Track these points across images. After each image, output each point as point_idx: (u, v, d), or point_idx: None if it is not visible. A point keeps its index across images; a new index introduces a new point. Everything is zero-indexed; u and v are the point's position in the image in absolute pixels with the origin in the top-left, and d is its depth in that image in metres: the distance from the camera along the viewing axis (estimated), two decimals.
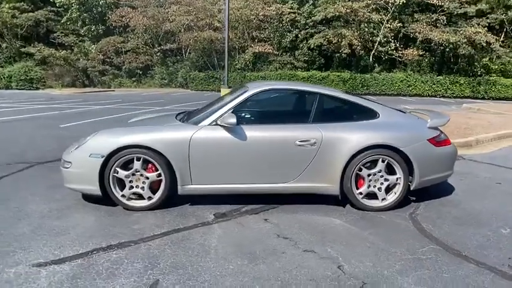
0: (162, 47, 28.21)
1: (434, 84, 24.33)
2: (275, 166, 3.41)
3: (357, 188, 3.42)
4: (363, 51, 25.67)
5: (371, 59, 26.74)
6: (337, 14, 24.16)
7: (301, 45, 27.74)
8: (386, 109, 3.65)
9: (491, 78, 22.74)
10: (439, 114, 3.87)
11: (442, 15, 23.59)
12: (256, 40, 28.63)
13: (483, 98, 22.34)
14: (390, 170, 3.44)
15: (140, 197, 3.44)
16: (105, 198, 3.42)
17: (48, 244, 2.74)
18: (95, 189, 3.35)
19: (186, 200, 3.59)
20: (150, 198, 3.41)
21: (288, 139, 3.37)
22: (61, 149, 4.05)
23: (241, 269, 2.44)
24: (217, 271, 2.40)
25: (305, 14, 26.89)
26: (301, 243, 2.81)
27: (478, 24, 22.15)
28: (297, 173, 3.40)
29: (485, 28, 21.75)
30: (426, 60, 26.15)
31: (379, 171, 3.40)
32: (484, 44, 21.44)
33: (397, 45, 25.07)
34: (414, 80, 24.78)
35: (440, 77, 24.16)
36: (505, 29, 23.62)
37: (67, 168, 3.42)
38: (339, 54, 25.52)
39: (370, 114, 3.56)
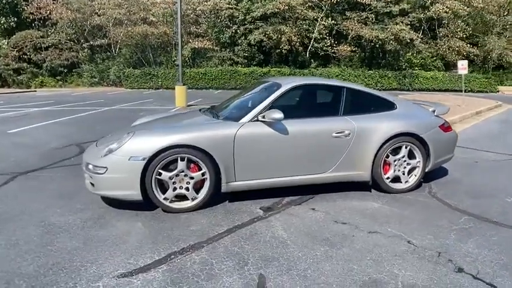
0: (90, 42, 26.21)
1: (366, 78, 26.56)
2: (314, 158, 3.63)
3: (384, 173, 3.82)
4: (301, 48, 26.93)
5: (307, 55, 28.19)
6: (276, 10, 24.98)
7: (240, 41, 28.08)
8: (400, 101, 4.11)
9: (414, 71, 25.66)
10: (440, 105, 4.46)
11: (371, 13, 25.84)
12: (193, 35, 28.23)
13: (408, 90, 25.10)
14: (410, 155, 3.90)
15: (182, 198, 3.39)
16: (145, 203, 3.32)
17: (115, 254, 2.61)
18: (135, 194, 3.22)
19: (220, 199, 3.62)
20: (194, 198, 3.38)
21: (325, 131, 3.62)
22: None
23: (328, 254, 2.63)
24: (309, 259, 2.56)
25: (243, 10, 27.25)
26: (361, 226, 3.09)
27: (402, 22, 24.76)
28: (333, 163, 3.67)
29: (408, 26, 24.41)
30: (357, 55, 28.42)
31: (403, 157, 3.84)
32: (408, 41, 24.09)
33: (332, 41, 26.80)
34: (348, 75, 26.75)
35: (371, 71, 26.50)
36: (422, 27, 26.76)
37: (101, 174, 3.22)
38: (279, 50, 26.39)
39: (389, 105, 3.98)
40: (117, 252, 2.65)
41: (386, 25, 25.50)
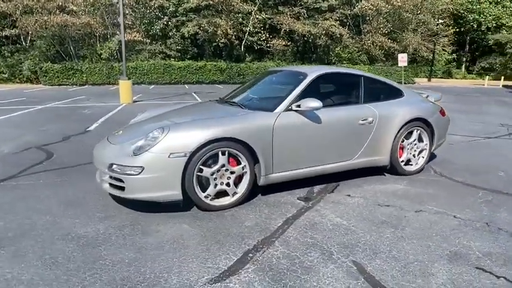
0: None
1: None
2: (342, 145, 3.72)
3: (399, 157, 4.08)
4: (237, 41, 27.02)
5: (242, 49, 28.41)
6: (210, 2, 24.64)
7: (172, 34, 27.13)
8: (405, 88, 4.42)
9: (343, 65, 27.58)
10: (434, 92, 4.89)
11: (302, 8, 27.01)
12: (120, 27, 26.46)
13: None
14: (419, 139, 4.22)
15: (219, 195, 3.21)
16: (185, 204, 3.07)
17: (186, 260, 2.36)
18: (176, 193, 2.96)
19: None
20: (234, 194, 3.23)
21: (352, 119, 3.72)
22: None
23: (397, 235, 2.74)
24: (385, 241, 2.62)
25: (174, 1, 26.33)
26: (404, 207, 3.27)
27: (331, 18, 26.37)
28: (358, 150, 3.81)
29: (338, 22, 26.11)
30: (290, 50, 29.52)
31: (414, 140, 4.15)
32: (338, 36, 25.76)
33: (267, 35, 27.40)
34: None
35: (305, 66, 27.77)
36: (348, 23, 28.83)
37: (135, 175, 2.88)
38: (215, 44, 26.11)
39: (399, 93, 4.25)
40: (186, 258, 2.41)
41: (316, 20, 26.91)
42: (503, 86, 26.54)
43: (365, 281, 2.16)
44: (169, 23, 26.31)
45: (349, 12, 26.76)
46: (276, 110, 3.41)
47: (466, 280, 2.18)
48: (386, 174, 4.20)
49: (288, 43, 27.61)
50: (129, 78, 12.51)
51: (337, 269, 2.28)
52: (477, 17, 32.43)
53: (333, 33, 25.52)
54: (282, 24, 26.73)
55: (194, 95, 16.36)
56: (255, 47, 28.82)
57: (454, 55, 34.24)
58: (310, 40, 26.81)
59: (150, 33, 26.77)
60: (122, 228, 2.83)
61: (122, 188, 2.97)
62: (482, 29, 32.68)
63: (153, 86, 22.85)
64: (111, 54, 25.46)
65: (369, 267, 2.31)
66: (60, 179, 4.02)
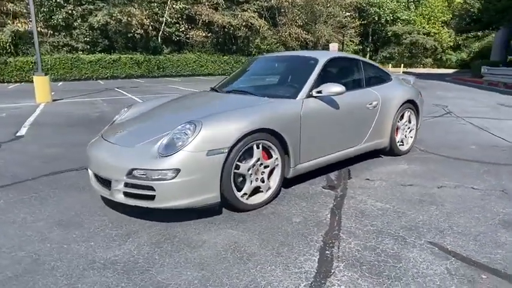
0: None
1: (222, 63, 27.57)
2: (355, 130, 3.69)
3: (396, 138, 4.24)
4: (154, 32, 25.52)
5: (160, 40, 27.00)
6: None
7: (77, 24, 24.41)
8: (391, 73, 4.58)
9: None
10: (407, 76, 5.17)
11: None
12: (11, 15, 22.88)
13: None
14: (408, 119, 4.43)
15: (252, 192, 2.91)
16: (222, 206, 2.71)
17: (274, 270, 2.06)
18: (214, 196, 2.58)
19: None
20: (267, 189, 2.96)
21: (362, 103, 3.72)
22: None
23: (443, 211, 2.79)
24: (441, 219, 2.65)
25: None
26: (426, 185, 3.38)
27: (249, 10, 26.55)
28: (366, 134, 3.83)
29: (256, 13, 26.41)
30: (209, 41, 29.01)
31: (405, 121, 4.34)
32: (259, 28, 26.09)
33: (186, 26, 26.43)
34: (205, 61, 27.13)
35: (226, 57, 27.62)
36: (264, 15, 29.39)
37: (169, 179, 2.42)
38: (130, 35, 24.25)
39: (388, 77, 4.38)
40: (262, 266, 2.10)
41: (234, 11, 26.84)
42: (403, 72, 30.14)
43: (457, 259, 2.15)
44: (74, 11, 23.58)
45: (265, 4, 27.26)
46: (298, 97, 3.21)
47: None
48: (382, 156, 4.34)
49: (208, 34, 27.07)
50: (46, 74, 10.83)
51: (423, 252, 2.23)
52: (377, 10, 36.09)
53: (253, 24, 25.78)
54: (200, 14, 26.04)
55: (119, 90, 14.99)
56: (173, 38, 27.59)
57: (360, 46, 37.78)
58: (231, 31, 26.67)
59: (51, 23, 23.66)
60: (159, 244, 2.37)
61: (151, 197, 2.48)
62: (382, 21, 36.56)
63: (61, 83, 20.30)
64: (3, 48, 21.85)
65: (448, 245, 2.31)
66: (27, 196, 3.24)
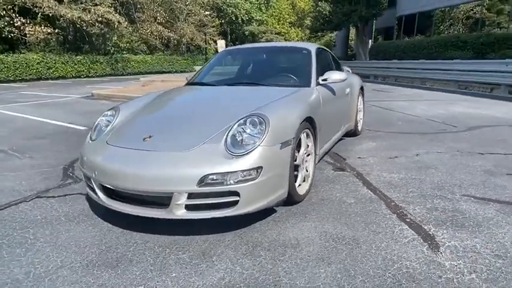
0: None
1: (76, 64, 24.42)
2: (342, 115, 3.97)
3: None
4: None
5: None
6: None
7: None
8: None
9: (124, 55, 26.10)
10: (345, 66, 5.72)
11: None
12: None
13: (122, 75, 25.45)
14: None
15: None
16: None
17: (405, 253, 2.12)
18: (284, 192, 2.41)
19: None
20: (308, 178, 2.93)
21: (343, 89, 4.00)
22: None
23: (441, 171, 3.34)
24: (464, 180, 3.18)
25: None
26: (409, 155, 3.93)
27: (103, 4, 24.12)
28: (345, 118, 4.16)
29: (112, 8, 24.18)
30: (55, 39, 25.18)
31: (361, 105, 4.89)
32: (117, 24, 23.99)
33: (22, 20, 22.21)
34: (54, 62, 23.55)
35: (80, 57, 24.53)
36: (118, 11, 27.22)
37: (253, 179, 2.15)
38: None
39: (341, 65, 4.82)
40: (384, 244, 2.13)
41: (82, 2, 23.96)
42: None
43: (493, 203, 2.62)
44: None
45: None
46: (312, 85, 3.27)
47: None
48: (344, 137, 4.78)
49: (55, 31, 23.38)
50: None
51: (468, 203, 2.61)
52: (234, 10, 37.91)
53: (109, 20, 23.53)
54: (40, 7, 22.24)
55: None
56: (3, 35, 22.76)
57: None
58: (84, 28, 23.69)
59: None
60: (254, 253, 2.10)
61: (232, 204, 2.16)
62: (239, 21, 38.61)
63: None
64: None
65: (476, 194, 2.79)
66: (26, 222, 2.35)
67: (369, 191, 2.94)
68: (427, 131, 5.15)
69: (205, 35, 31.05)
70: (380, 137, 4.80)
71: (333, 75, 3.34)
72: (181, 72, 27.52)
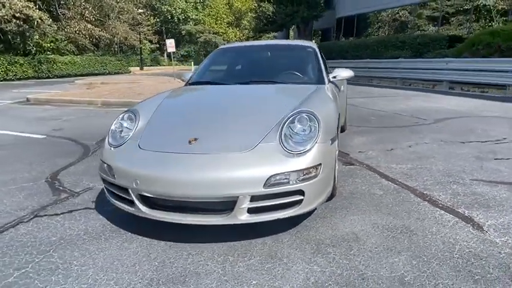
0: None
1: None
2: (342, 112, 4.09)
3: None
4: None
5: None
6: None
7: None
8: None
9: (49, 56, 23.88)
10: None
11: None
12: None
13: (48, 77, 23.32)
14: None
15: None
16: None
17: (437, 224, 2.25)
18: (331, 188, 2.46)
19: None
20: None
21: (341, 86, 4.16)
22: None
23: (439, 160, 3.64)
24: (447, 166, 3.48)
25: None
26: (400, 146, 4.19)
27: None
28: (342, 115, 4.31)
29: (32, 3, 21.99)
30: None
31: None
32: (38, 21, 21.87)
33: None
34: None
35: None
36: (38, 6, 24.87)
37: (315, 177, 2.15)
38: None
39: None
40: (442, 228, 2.27)
41: None
42: None
43: (502, 185, 2.96)
44: None
45: None
46: (326, 82, 3.33)
47: None
48: None
49: None
50: None
51: (480, 187, 2.90)
52: (169, 8, 36.81)
53: (30, 17, 21.37)
54: None
55: None
56: None
57: (157, 44, 37.53)
58: None
59: None
60: (321, 252, 2.12)
61: (296, 203, 2.13)
62: (175, 20, 37.58)
63: None
64: None
65: (483, 178, 3.11)
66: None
67: (389, 182, 3.10)
68: (403, 124, 5.56)
69: (139, 34, 29.74)
70: (365, 132, 5.07)
71: (342, 73, 3.45)
72: (116, 73, 26.07)
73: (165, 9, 36.46)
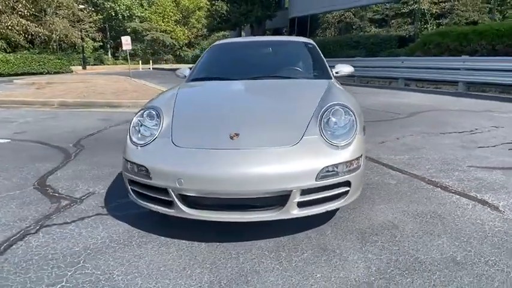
0: None
1: None
2: None
3: None
4: None
5: None
6: None
7: None
8: None
9: None
10: None
11: None
12: None
13: None
14: None
15: None
16: None
17: (463, 209, 2.42)
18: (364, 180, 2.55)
19: None
20: None
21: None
22: None
23: (432, 150, 3.89)
24: (442, 155, 3.73)
25: None
26: (393, 137, 4.42)
27: None
28: None
29: None
30: None
31: None
32: None
33: None
34: None
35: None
36: None
37: (359, 168, 2.19)
38: None
39: None
40: (470, 214, 2.43)
41: None
42: (153, 68, 31.18)
43: (502, 170, 3.26)
44: None
45: None
46: (332, 78, 3.39)
47: None
48: None
49: None
50: None
51: (484, 173, 3.17)
52: (112, 5, 34.91)
53: None
54: None
55: None
56: None
57: (100, 42, 35.37)
58: None
59: None
60: (366, 238, 2.17)
61: (343, 194, 2.16)
62: (119, 17, 35.73)
63: None
64: None
65: (480, 165, 3.39)
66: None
67: (397, 172, 3.26)
68: (381, 118, 5.85)
69: (81, 32, 27.95)
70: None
71: (344, 68, 3.54)
72: (56, 73, 24.31)
73: (109, 6, 34.67)
